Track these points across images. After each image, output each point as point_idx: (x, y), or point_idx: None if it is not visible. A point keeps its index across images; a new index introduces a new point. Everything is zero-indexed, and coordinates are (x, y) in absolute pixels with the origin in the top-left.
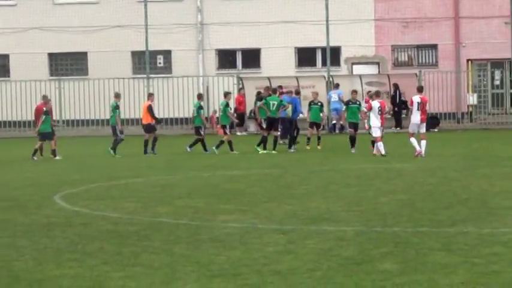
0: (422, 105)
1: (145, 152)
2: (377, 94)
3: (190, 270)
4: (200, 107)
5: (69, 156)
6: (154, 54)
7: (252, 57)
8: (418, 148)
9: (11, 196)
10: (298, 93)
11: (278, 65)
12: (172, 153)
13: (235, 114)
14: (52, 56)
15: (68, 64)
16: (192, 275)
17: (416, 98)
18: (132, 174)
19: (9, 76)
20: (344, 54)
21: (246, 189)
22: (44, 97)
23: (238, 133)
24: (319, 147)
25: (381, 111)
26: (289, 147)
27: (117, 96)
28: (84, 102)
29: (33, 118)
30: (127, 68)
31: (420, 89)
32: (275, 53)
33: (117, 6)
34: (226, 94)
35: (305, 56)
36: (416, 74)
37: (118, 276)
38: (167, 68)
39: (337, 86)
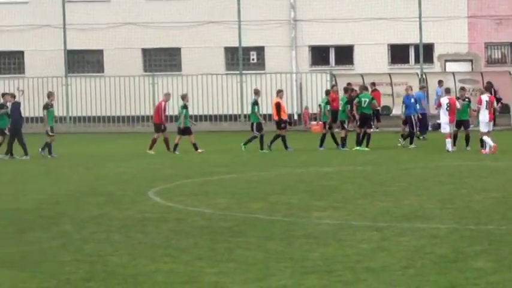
0: (490, 104)
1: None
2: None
3: (284, 267)
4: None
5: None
6: (247, 50)
7: (345, 54)
8: (492, 143)
9: (107, 191)
10: (423, 87)
11: (371, 61)
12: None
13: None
14: (146, 52)
15: (161, 60)
16: (286, 271)
17: (485, 97)
18: (226, 170)
19: (103, 72)
20: (437, 51)
21: (339, 186)
22: (167, 94)
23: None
24: (468, 148)
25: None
26: (411, 142)
27: (257, 92)
28: (178, 97)
29: (151, 113)
30: (220, 64)
31: (488, 88)
32: (368, 49)
33: (211, 2)
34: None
35: (398, 53)
36: (510, 72)
37: (212, 272)
38: (260, 65)
39: (440, 82)
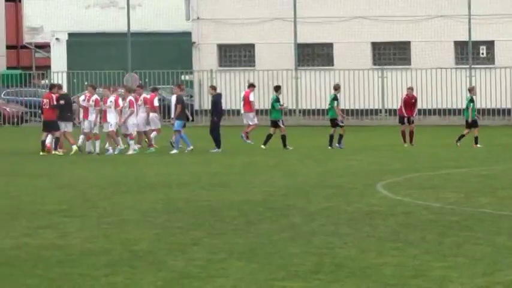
0: None
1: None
2: None
3: None
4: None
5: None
6: (477, 44)
7: None
8: None
9: (335, 184)
10: None
11: None
12: (493, 144)
13: None
14: (375, 45)
15: (390, 53)
16: None
17: None
18: (454, 165)
19: (333, 65)
20: None
21: None
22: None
23: None
24: None
25: None
26: None
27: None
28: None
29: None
30: (449, 58)
31: None
32: None
33: None
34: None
35: None
36: None
37: (439, 266)
38: (490, 59)
39: None
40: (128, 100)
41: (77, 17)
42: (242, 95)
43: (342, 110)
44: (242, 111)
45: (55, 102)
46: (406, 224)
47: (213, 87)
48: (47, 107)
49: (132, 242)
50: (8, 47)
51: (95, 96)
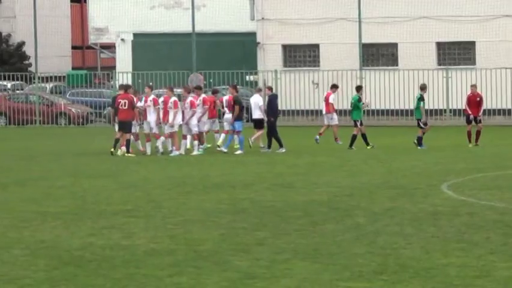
0: None
1: None
2: None
3: None
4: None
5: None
6: None
7: None
8: None
9: (400, 184)
10: None
11: None
12: None
13: None
14: (440, 45)
15: (455, 53)
16: None
17: None
18: None
19: (397, 65)
20: None
21: None
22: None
23: None
24: None
25: None
26: None
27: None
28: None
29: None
30: None
31: None
32: None
33: None
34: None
35: None
36: None
37: (504, 266)
38: None
39: None
40: (188, 101)
41: (141, 17)
42: (324, 95)
43: (406, 111)
44: (324, 112)
45: (138, 104)
46: (470, 224)
47: (269, 88)
48: (125, 107)
49: (197, 242)
50: (74, 48)
51: (152, 96)
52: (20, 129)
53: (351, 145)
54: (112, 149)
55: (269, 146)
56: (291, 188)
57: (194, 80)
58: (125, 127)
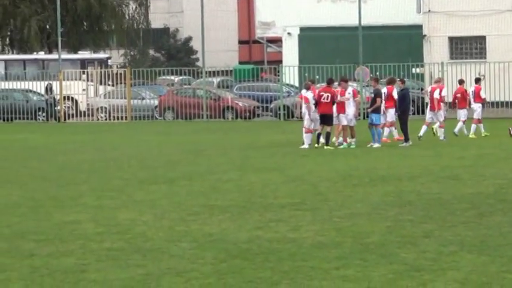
0: None
1: None
2: None
3: None
4: None
5: None
6: None
7: None
8: None
9: None
10: None
11: None
12: None
13: None
14: None
15: None
16: None
17: None
18: None
19: (485, 58)
20: None
21: None
22: None
23: None
24: None
25: None
26: None
27: None
28: None
29: None
30: None
31: None
32: None
33: None
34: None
35: None
36: None
37: None
38: None
39: None
40: (349, 91)
41: (308, 11)
42: (472, 89)
43: None
44: (472, 104)
45: (339, 97)
46: None
47: (402, 81)
48: (327, 101)
49: (364, 235)
50: (240, 42)
51: (351, 88)
52: (188, 124)
53: None
54: (316, 145)
55: (406, 140)
56: (457, 180)
57: (360, 74)
58: (327, 120)
